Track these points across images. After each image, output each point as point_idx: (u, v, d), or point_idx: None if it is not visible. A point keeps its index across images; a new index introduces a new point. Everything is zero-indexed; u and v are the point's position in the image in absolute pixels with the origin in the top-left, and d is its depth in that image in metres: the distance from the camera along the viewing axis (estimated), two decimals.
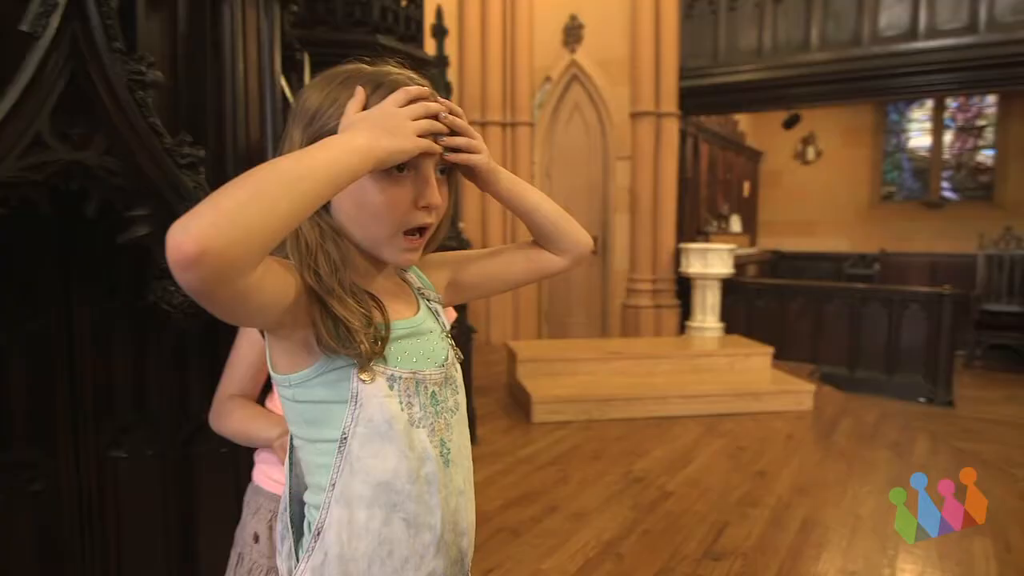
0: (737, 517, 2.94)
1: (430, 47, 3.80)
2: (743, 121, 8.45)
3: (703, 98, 6.37)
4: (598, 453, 3.73)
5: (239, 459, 1.67)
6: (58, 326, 1.57)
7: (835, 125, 8.55)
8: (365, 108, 0.74)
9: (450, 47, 6.18)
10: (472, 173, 0.84)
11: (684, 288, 6.18)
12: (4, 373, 1.50)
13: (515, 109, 6.60)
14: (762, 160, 9.12)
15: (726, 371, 4.94)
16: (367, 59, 0.82)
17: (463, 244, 3.82)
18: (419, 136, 0.72)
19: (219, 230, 0.54)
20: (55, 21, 0.97)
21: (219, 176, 1.21)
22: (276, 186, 0.59)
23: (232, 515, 1.49)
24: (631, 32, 6.11)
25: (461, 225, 5.04)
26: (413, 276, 0.89)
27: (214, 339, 1.57)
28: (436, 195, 0.77)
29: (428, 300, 0.88)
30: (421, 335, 0.82)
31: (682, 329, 6.16)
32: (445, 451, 0.80)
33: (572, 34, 6.48)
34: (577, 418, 4.26)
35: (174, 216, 1.18)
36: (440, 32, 3.79)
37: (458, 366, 0.87)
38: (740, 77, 6.15)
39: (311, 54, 2.22)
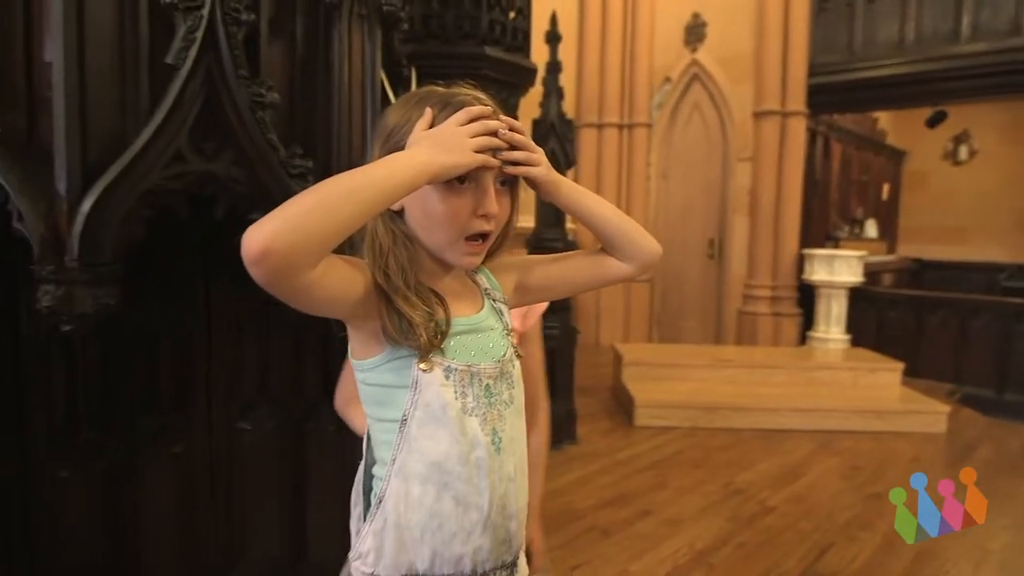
0: (844, 539, 2.79)
1: (544, 54, 3.89)
2: (883, 119, 7.86)
3: (835, 95, 6.02)
4: (699, 462, 3.66)
5: (345, 437, 1.85)
6: (198, 314, 1.81)
7: (992, 121, 7.73)
8: (433, 126, 0.83)
9: (569, 51, 6.26)
10: (533, 184, 0.91)
11: (807, 296, 5.87)
12: (153, 351, 1.75)
13: (633, 110, 6.55)
14: (905, 160, 8.44)
15: (848, 386, 4.65)
16: (441, 83, 0.91)
17: (569, 245, 3.89)
18: (478, 151, 0.80)
19: (281, 234, 0.65)
20: (193, 53, 1.15)
21: None
22: (338, 197, 0.69)
23: (338, 485, 1.65)
24: (757, 29, 5.89)
25: (570, 227, 5.10)
26: (482, 278, 0.96)
27: (327, 332, 1.75)
28: (494, 204, 0.84)
29: (493, 300, 0.95)
30: (481, 332, 0.89)
31: (803, 340, 5.86)
32: (497, 440, 0.86)
33: (694, 32, 6.34)
34: (681, 425, 4.20)
35: None
36: (554, 38, 3.86)
37: (516, 363, 0.93)
38: (879, 72, 5.75)
39: (423, 66, 2.38)
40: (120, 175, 1.11)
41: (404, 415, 0.83)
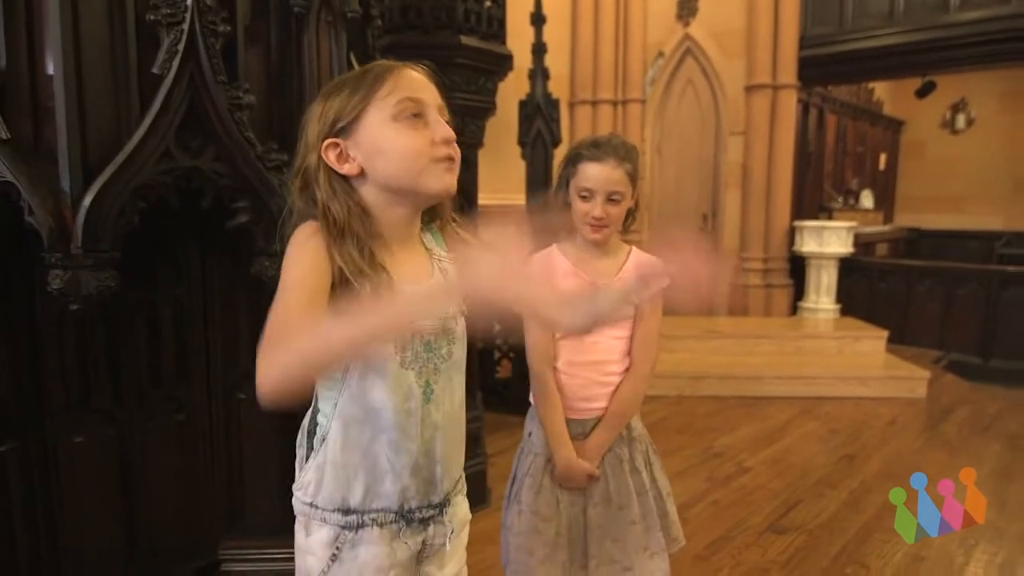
0: (812, 496, 2.96)
1: (531, 35, 4.00)
2: (880, 89, 7.86)
3: (827, 67, 6.04)
4: (683, 428, 3.83)
5: None
6: (196, 290, 1.98)
7: (991, 89, 7.71)
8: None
9: (562, 30, 6.33)
10: None
11: (799, 268, 5.99)
12: (156, 326, 1.93)
13: (627, 86, 6.60)
14: (903, 130, 8.45)
15: (833, 354, 4.79)
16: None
17: None
18: None
19: (286, 380, 0.78)
20: (176, 63, 1.30)
21: None
22: (341, 348, 0.82)
23: None
24: (749, 1, 5.92)
25: None
26: (429, 238, 1.04)
27: None
28: (447, 129, 0.93)
29: (439, 261, 1.02)
30: None
31: (795, 310, 5.98)
32: (428, 391, 0.96)
33: (686, 7, 6.37)
34: (668, 394, 4.36)
35: (267, 206, 1.49)
36: (538, 20, 3.96)
37: (460, 320, 1.02)
38: (869, 43, 5.77)
39: (402, 56, 2.51)
40: (116, 172, 1.27)
41: (346, 365, 0.93)
